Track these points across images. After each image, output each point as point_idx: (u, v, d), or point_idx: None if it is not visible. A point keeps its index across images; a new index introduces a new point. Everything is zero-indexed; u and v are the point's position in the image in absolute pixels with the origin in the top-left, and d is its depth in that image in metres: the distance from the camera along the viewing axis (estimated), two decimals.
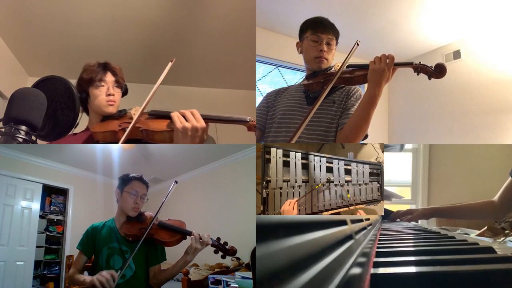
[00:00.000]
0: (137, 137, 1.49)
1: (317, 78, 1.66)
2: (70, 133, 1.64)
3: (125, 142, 1.44)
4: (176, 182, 1.68)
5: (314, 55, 1.68)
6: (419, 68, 1.52)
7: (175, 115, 1.39)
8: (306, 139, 1.62)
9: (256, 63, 3.62)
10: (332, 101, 1.66)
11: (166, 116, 1.46)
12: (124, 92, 1.72)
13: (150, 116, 1.53)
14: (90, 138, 1.64)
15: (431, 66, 1.51)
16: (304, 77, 1.81)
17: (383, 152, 2.38)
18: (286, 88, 1.88)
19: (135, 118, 1.45)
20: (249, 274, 2.07)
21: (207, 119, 1.42)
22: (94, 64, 1.64)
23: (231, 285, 1.96)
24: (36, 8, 2.75)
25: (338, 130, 1.61)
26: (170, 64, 1.51)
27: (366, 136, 1.59)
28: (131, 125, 1.43)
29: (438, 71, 1.50)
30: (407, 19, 3.60)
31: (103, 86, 1.62)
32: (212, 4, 2.81)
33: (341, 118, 1.62)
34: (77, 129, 1.67)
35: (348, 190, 1.96)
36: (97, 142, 1.57)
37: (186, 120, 1.37)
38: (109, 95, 1.61)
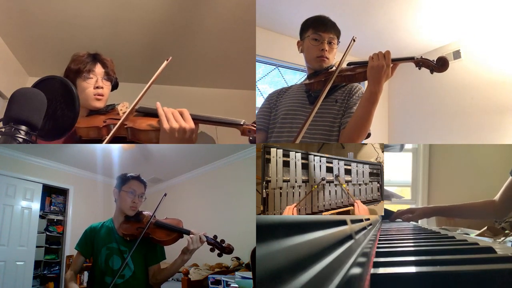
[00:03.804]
0: (121, 135, 1.38)
1: (319, 77, 1.65)
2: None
3: (109, 141, 1.34)
4: (165, 194, 1.66)
5: (316, 54, 1.67)
6: (421, 63, 1.51)
7: (163, 114, 1.29)
8: (309, 139, 1.61)
9: (256, 63, 3.62)
10: (334, 100, 1.66)
11: (154, 114, 1.36)
12: (114, 86, 1.62)
13: (138, 113, 1.44)
14: (73, 134, 1.52)
15: (433, 60, 1.50)
16: (304, 77, 1.81)
17: (383, 152, 2.38)
18: (287, 88, 1.87)
19: (124, 116, 1.35)
20: (249, 274, 2.07)
21: (197, 119, 1.33)
22: (83, 54, 1.55)
23: (231, 285, 1.96)
24: (36, 8, 2.75)
25: (341, 129, 1.61)
26: (165, 62, 1.43)
27: (369, 135, 1.59)
28: (119, 122, 1.33)
29: (440, 65, 1.48)
30: (407, 19, 3.60)
31: (91, 78, 1.52)
32: (212, 4, 2.81)
33: (344, 116, 1.62)
34: None
35: (336, 187, 1.96)
36: (80, 138, 1.47)
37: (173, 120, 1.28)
38: (97, 87, 1.51)
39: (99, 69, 1.55)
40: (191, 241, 1.48)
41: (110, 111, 1.53)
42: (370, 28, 3.71)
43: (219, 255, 1.55)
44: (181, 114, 1.31)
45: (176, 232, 1.57)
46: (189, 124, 1.29)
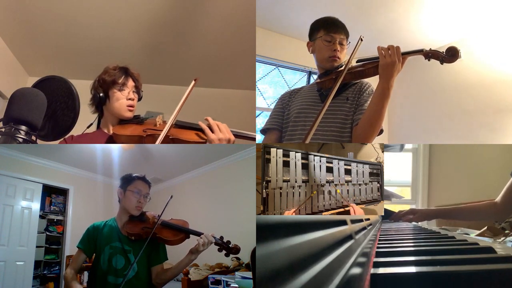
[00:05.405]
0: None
1: (330, 75, 1.67)
2: (77, 132, 1.64)
3: None
4: (171, 196, 1.70)
5: (328, 55, 1.69)
6: (430, 54, 1.50)
7: (207, 128, 1.50)
8: (321, 137, 1.62)
9: (256, 63, 3.62)
10: (346, 98, 1.67)
11: (193, 127, 1.57)
12: (139, 98, 1.76)
13: (176, 125, 1.60)
14: (110, 140, 1.66)
15: (443, 51, 1.48)
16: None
17: (383, 152, 2.38)
18: (299, 89, 1.90)
19: (166, 127, 1.51)
20: (249, 274, 2.07)
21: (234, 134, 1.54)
22: (114, 68, 1.69)
23: (231, 285, 1.96)
24: (36, 8, 2.75)
25: (354, 126, 1.61)
26: (193, 82, 1.62)
27: (381, 131, 1.59)
28: (163, 132, 1.48)
29: (450, 55, 1.46)
30: (407, 19, 3.60)
31: (124, 90, 1.67)
32: (212, 4, 2.81)
33: (356, 114, 1.63)
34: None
35: (336, 187, 1.96)
36: None
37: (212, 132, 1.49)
38: (129, 99, 1.67)
39: (131, 82, 1.70)
40: (202, 242, 1.49)
41: (145, 122, 1.68)
42: (370, 28, 3.70)
43: (226, 255, 1.58)
44: (222, 127, 1.52)
45: (185, 233, 1.59)
46: (231, 136, 1.52)
